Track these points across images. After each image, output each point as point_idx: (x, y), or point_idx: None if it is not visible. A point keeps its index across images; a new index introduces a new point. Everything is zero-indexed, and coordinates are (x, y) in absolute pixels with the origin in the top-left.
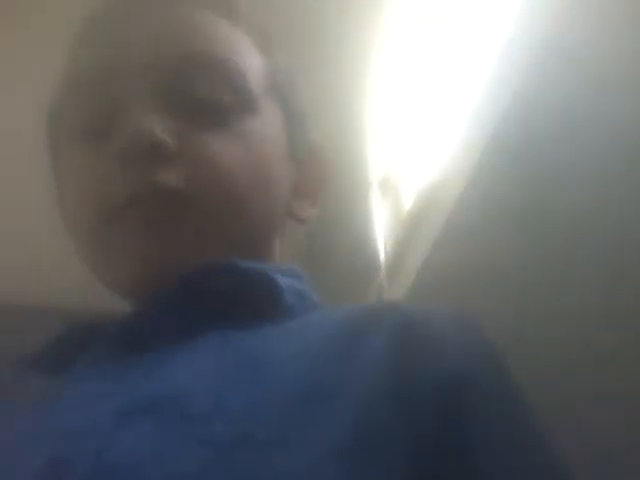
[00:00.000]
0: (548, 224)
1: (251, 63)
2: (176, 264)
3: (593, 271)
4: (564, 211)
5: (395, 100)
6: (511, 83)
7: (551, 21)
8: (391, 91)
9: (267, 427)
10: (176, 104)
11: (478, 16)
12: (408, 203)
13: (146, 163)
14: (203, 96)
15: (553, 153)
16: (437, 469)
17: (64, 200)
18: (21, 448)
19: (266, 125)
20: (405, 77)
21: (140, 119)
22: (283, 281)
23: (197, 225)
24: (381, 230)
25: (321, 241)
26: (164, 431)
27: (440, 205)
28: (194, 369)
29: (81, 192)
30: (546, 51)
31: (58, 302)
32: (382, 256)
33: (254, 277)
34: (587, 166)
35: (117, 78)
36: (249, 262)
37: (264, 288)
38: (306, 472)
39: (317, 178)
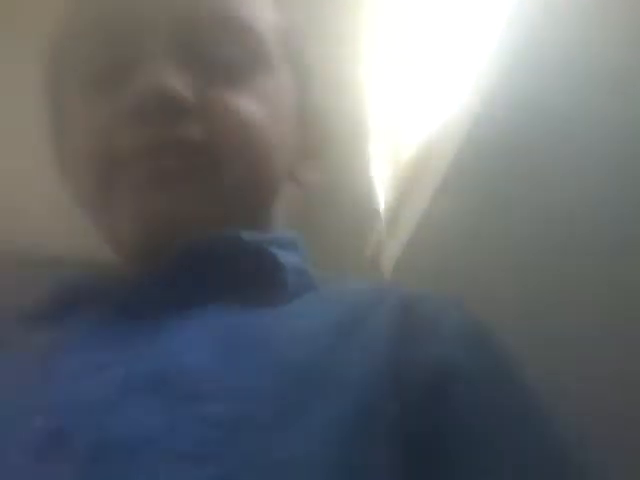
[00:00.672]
0: (549, 174)
1: (268, 23)
2: (185, 219)
3: (595, 242)
4: (567, 160)
5: (396, 50)
6: (518, 31)
7: None
8: (392, 41)
9: (267, 409)
10: (193, 61)
11: None
12: (408, 154)
13: (164, 117)
14: (220, 55)
15: (555, 106)
16: (428, 452)
17: (66, 148)
18: (20, 415)
19: (280, 85)
20: (408, 25)
21: (158, 72)
22: (286, 259)
23: (212, 178)
24: (380, 181)
25: (320, 192)
26: (167, 408)
27: (440, 156)
28: (194, 344)
29: (91, 142)
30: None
31: (49, 250)
32: (381, 207)
33: (257, 253)
34: (588, 120)
35: (132, 30)
36: (254, 233)
37: (267, 265)
38: (304, 455)
39: (321, 141)
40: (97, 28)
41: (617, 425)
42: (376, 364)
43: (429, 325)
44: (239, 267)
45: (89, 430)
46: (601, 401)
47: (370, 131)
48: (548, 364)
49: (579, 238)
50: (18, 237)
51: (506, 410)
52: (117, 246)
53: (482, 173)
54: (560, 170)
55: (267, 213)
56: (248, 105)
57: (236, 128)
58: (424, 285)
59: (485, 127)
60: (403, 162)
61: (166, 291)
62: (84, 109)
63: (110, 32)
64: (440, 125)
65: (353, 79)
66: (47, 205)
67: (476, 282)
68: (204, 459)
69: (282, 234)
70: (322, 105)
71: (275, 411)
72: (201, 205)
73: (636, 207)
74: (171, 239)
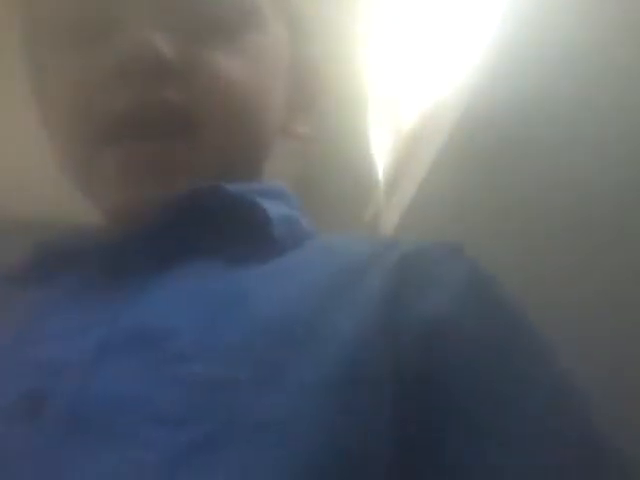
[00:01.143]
0: (544, 144)
1: None
2: (171, 186)
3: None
4: (566, 132)
5: (396, 17)
6: (519, 11)
7: None
8: (391, 9)
9: (247, 370)
10: (179, 21)
11: None
12: (407, 122)
13: (146, 78)
14: (207, 10)
15: (556, 78)
16: (420, 411)
17: (47, 108)
18: None
19: (272, 42)
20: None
21: (141, 32)
22: (272, 210)
23: (197, 143)
24: (380, 149)
25: (318, 159)
26: (145, 369)
27: (440, 125)
28: (177, 303)
29: (71, 105)
30: None
31: (30, 213)
32: (380, 175)
33: (242, 204)
34: (586, 98)
35: None
36: (237, 185)
37: (252, 217)
38: (285, 415)
39: (314, 92)
40: None
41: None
42: (366, 323)
43: (426, 280)
44: (222, 220)
45: (68, 392)
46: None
47: (369, 100)
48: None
49: (575, 204)
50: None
51: (501, 363)
52: (101, 210)
53: (479, 144)
54: (555, 140)
55: (256, 171)
56: (233, 65)
57: (219, 89)
58: None
59: (483, 100)
60: (403, 131)
61: (148, 248)
62: (62, 68)
63: None
64: (439, 96)
65: (352, 49)
66: (34, 169)
67: (473, 250)
68: (184, 421)
69: (268, 184)
70: (317, 57)
71: (256, 371)
72: (188, 170)
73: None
74: (160, 201)
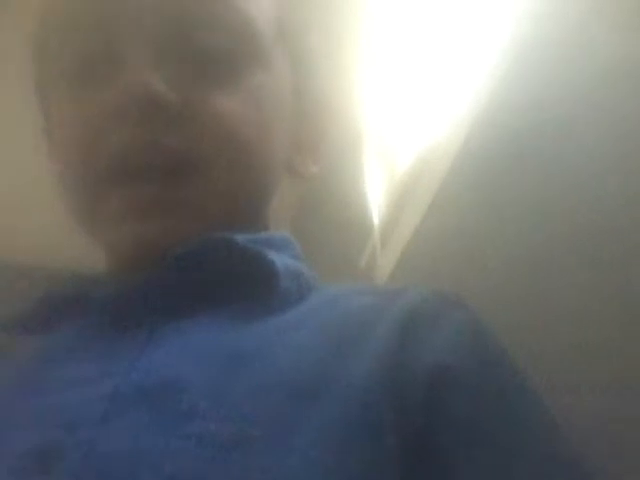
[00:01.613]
0: (542, 190)
1: (261, 8)
2: (175, 237)
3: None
4: (558, 176)
5: (392, 63)
6: (507, 53)
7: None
8: (388, 53)
9: (261, 425)
10: (179, 54)
11: None
12: (403, 166)
13: (145, 121)
14: (209, 46)
15: (547, 123)
16: (425, 454)
17: (54, 146)
18: (7, 427)
19: (275, 78)
20: (403, 38)
21: (140, 74)
22: (279, 262)
23: (198, 192)
24: (375, 193)
25: (314, 203)
26: (159, 425)
27: (435, 169)
28: (187, 356)
29: (75, 145)
30: (543, 23)
31: (39, 260)
32: (375, 219)
33: (251, 257)
34: (584, 134)
35: (113, 20)
36: (245, 235)
37: (260, 270)
38: (298, 473)
39: (320, 131)
40: (80, 20)
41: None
42: (374, 375)
43: (428, 332)
44: (232, 273)
45: (81, 446)
46: (600, 404)
47: (365, 144)
48: (546, 380)
49: (573, 248)
50: (15, 249)
51: (500, 411)
52: (106, 253)
53: (474, 187)
54: (550, 182)
55: (261, 212)
56: (235, 105)
57: (220, 132)
58: None
59: (477, 144)
60: (398, 176)
61: (156, 298)
62: (65, 106)
63: (93, 24)
64: (434, 141)
65: (349, 93)
66: (44, 216)
67: (469, 295)
68: (198, 479)
69: (274, 234)
70: (321, 91)
71: (268, 428)
72: (191, 221)
73: (637, 205)
74: (165, 250)
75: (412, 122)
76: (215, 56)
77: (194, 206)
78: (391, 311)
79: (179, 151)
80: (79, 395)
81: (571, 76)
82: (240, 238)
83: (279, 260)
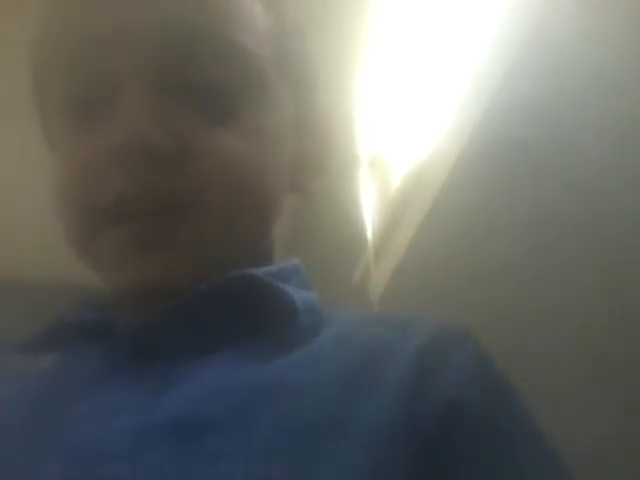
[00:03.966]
0: (537, 206)
1: (259, 33)
2: (175, 277)
3: (585, 262)
4: (553, 192)
5: (385, 79)
6: (501, 66)
7: (540, 6)
8: (382, 69)
9: (286, 465)
10: (177, 87)
11: None
12: (397, 182)
13: (141, 169)
14: (206, 81)
15: (541, 137)
16: None
17: (54, 180)
18: (28, 459)
19: (275, 108)
20: (396, 56)
21: (135, 113)
22: (297, 297)
23: (198, 224)
24: (369, 209)
25: (309, 218)
26: (185, 465)
27: (428, 185)
28: (211, 394)
29: (70, 181)
30: (536, 36)
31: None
32: (369, 235)
33: (271, 293)
34: (576, 149)
35: (110, 51)
36: (262, 269)
37: (281, 306)
38: None
39: (322, 146)
40: (74, 53)
41: (618, 452)
42: (390, 409)
43: (441, 366)
44: (254, 309)
45: None
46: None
47: (360, 160)
48: (548, 396)
49: (569, 256)
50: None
51: (510, 442)
52: (109, 289)
53: (467, 203)
54: (548, 202)
55: (266, 244)
56: (234, 144)
57: (218, 173)
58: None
59: (469, 162)
60: (391, 191)
61: (178, 334)
62: (63, 138)
63: (88, 57)
64: (427, 157)
65: (346, 106)
66: (49, 235)
67: (463, 309)
68: None
69: (286, 265)
70: (321, 109)
71: (292, 469)
72: (191, 261)
73: (637, 206)
74: (168, 290)
75: (406, 138)
76: (214, 92)
77: (193, 243)
78: (404, 349)
79: (177, 194)
80: (102, 429)
81: (569, 83)
82: (259, 272)
83: (297, 295)
